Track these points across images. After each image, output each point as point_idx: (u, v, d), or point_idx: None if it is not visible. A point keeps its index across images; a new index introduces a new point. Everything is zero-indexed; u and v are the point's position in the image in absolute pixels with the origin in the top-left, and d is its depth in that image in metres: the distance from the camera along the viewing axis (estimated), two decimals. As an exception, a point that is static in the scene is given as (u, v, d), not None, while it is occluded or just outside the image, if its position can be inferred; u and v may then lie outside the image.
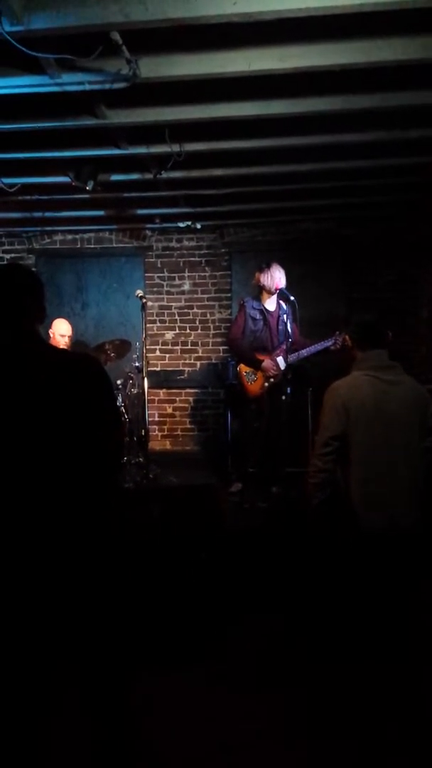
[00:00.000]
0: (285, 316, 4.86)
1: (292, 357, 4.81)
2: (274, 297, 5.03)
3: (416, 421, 2.66)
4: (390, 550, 2.59)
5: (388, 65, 3.18)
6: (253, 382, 5.07)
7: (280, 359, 4.94)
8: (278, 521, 4.24)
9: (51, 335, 5.47)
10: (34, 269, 7.28)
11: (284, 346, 4.80)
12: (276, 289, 4.91)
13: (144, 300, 5.24)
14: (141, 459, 5.59)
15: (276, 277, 4.90)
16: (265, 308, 5.05)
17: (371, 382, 2.67)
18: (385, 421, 2.61)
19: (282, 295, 4.85)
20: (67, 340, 5.47)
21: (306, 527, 3.03)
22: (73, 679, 1.84)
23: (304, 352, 4.86)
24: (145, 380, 5.32)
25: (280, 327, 5.00)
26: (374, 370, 2.69)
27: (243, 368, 5.11)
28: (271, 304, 5.07)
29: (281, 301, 4.94)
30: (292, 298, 4.71)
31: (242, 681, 2.76)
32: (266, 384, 5.01)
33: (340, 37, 3.05)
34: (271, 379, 4.98)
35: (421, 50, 3.05)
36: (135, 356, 5.88)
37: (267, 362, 4.96)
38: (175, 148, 4.33)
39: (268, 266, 4.97)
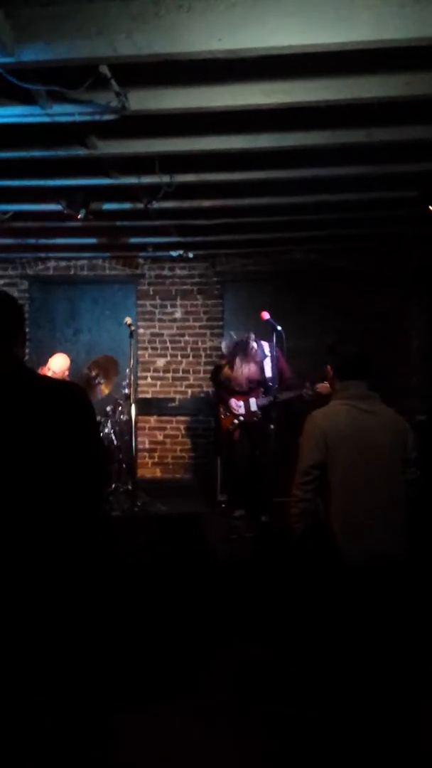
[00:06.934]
0: (269, 358, 5.01)
1: (262, 400, 5.14)
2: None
3: (396, 450, 2.65)
4: (371, 580, 2.55)
5: (372, 101, 3.25)
6: (226, 417, 5.38)
7: (252, 401, 5.18)
8: (266, 550, 4.21)
9: (47, 369, 5.43)
10: (26, 295, 7.34)
11: (261, 389, 5.07)
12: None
13: (132, 328, 5.26)
14: (129, 487, 5.55)
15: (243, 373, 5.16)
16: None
17: (349, 411, 2.67)
18: (363, 450, 2.60)
19: (269, 325, 4.89)
20: (60, 375, 5.41)
21: (290, 557, 3.00)
22: (48, 714, 1.79)
23: (277, 399, 5.05)
24: (133, 407, 5.32)
25: (262, 368, 5.19)
26: (352, 399, 2.69)
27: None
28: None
29: (265, 344, 5.08)
30: (279, 327, 4.75)
31: (229, 714, 2.68)
32: (236, 421, 5.24)
33: (325, 74, 3.10)
34: (241, 418, 5.20)
35: (403, 87, 3.12)
36: (124, 383, 5.87)
37: (232, 401, 5.25)
38: (165, 178, 4.39)
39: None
